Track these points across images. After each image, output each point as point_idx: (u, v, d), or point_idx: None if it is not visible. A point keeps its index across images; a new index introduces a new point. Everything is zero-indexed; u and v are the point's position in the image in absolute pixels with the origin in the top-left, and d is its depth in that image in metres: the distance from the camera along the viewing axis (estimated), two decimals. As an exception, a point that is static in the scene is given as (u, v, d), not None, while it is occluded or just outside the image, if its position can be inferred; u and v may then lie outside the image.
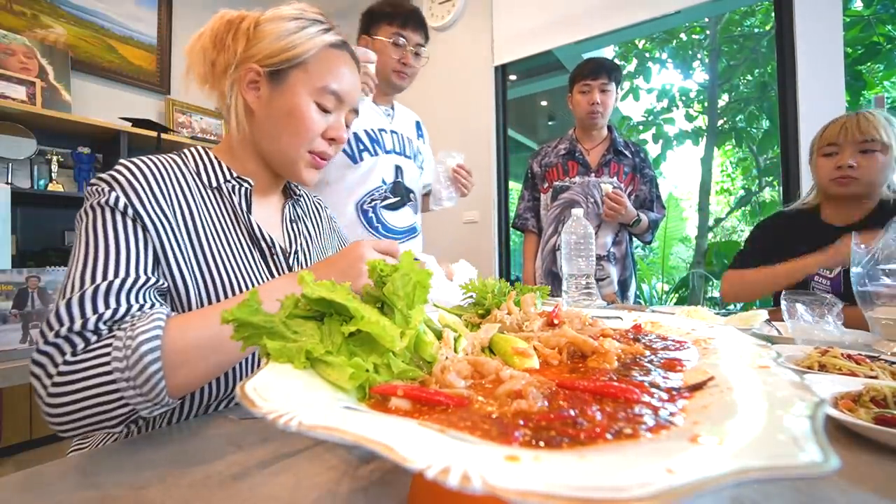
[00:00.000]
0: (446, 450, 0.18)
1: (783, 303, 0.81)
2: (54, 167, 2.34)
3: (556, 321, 0.47)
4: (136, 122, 2.45)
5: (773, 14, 2.12)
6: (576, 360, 0.39)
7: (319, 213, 0.87)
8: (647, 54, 5.39)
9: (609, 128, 1.76)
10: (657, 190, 1.77)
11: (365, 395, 0.29)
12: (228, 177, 0.66)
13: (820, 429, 0.19)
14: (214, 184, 0.65)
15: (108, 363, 0.43)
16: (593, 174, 1.70)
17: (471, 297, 0.61)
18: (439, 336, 0.39)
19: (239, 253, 0.64)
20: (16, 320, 1.20)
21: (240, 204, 0.66)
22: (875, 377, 0.52)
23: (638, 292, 1.87)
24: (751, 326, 0.91)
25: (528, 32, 2.62)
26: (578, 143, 1.75)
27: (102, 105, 2.56)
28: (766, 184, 5.16)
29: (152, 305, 0.50)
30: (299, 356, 0.29)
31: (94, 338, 0.45)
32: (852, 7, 3.67)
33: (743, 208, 5.57)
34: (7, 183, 2.16)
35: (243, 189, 0.67)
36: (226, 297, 0.59)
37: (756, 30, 5.03)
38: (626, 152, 1.72)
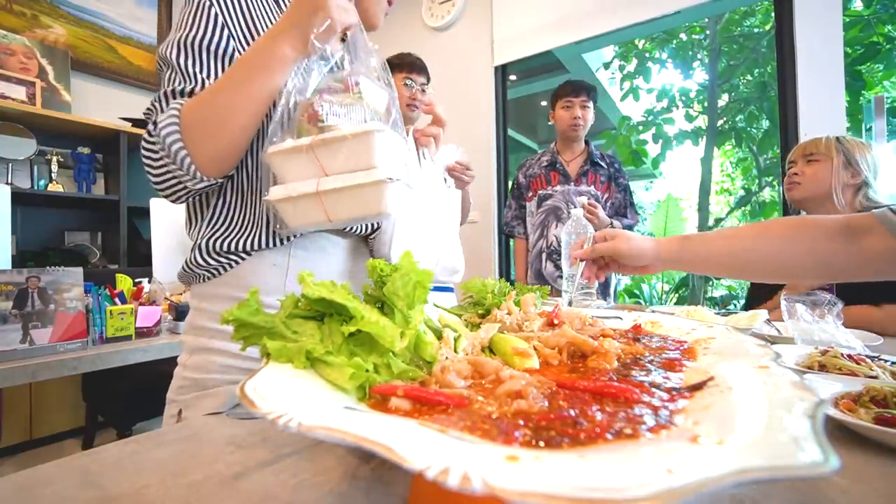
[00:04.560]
0: (446, 450, 0.18)
1: (783, 303, 0.81)
2: (54, 167, 2.34)
3: (556, 321, 0.47)
4: (136, 122, 2.45)
5: (773, 14, 2.12)
6: (576, 360, 0.39)
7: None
8: (647, 54, 5.38)
9: (586, 142, 1.97)
10: (631, 197, 1.95)
11: (365, 395, 0.29)
12: None
13: (820, 429, 0.19)
14: None
15: (155, 152, 0.57)
16: (573, 183, 1.90)
17: (471, 297, 0.61)
18: (439, 336, 0.39)
19: None
20: (16, 320, 1.20)
21: None
22: (875, 377, 0.52)
23: (615, 291, 2.05)
24: (751, 326, 0.91)
25: (528, 32, 2.62)
26: (559, 155, 1.96)
27: (102, 105, 2.56)
28: (766, 184, 5.16)
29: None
30: (299, 356, 0.29)
31: (151, 136, 0.58)
32: (852, 7, 3.67)
33: (743, 208, 5.56)
34: (7, 183, 2.16)
35: None
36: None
37: (756, 30, 5.03)
38: (602, 163, 1.92)
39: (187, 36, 0.60)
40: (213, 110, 0.55)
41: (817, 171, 1.21)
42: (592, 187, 1.88)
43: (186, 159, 0.56)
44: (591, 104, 1.89)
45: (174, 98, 0.59)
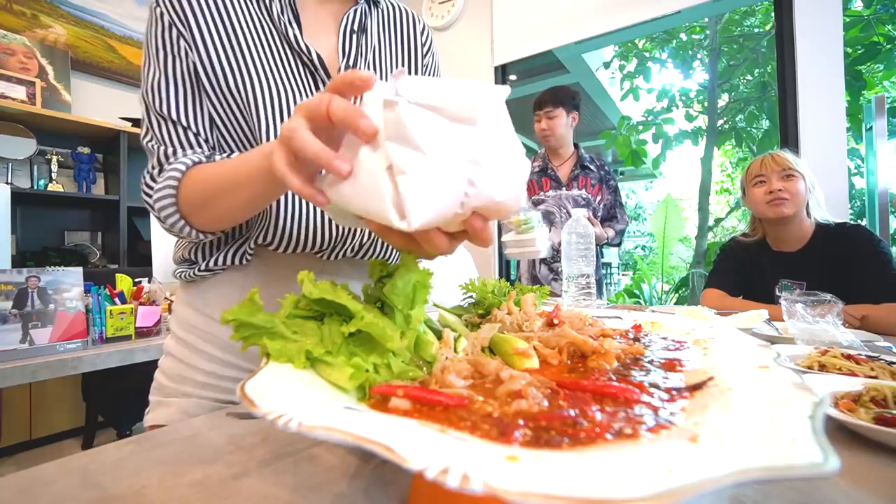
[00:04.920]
0: (446, 450, 0.18)
1: (783, 303, 0.80)
2: (54, 167, 2.34)
3: (556, 321, 0.47)
4: (136, 122, 2.45)
5: (773, 14, 2.12)
6: (576, 360, 0.39)
7: (406, 29, 0.72)
8: (647, 54, 5.39)
9: (576, 145, 2.01)
10: (620, 197, 2.01)
11: (365, 395, 0.29)
12: None
13: (820, 429, 0.19)
14: None
15: (152, 209, 0.55)
16: (564, 188, 1.94)
17: (471, 297, 0.61)
18: (439, 336, 0.39)
19: (282, 72, 0.58)
20: (16, 320, 1.20)
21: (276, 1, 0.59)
22: (875, 377, 0.52)
23: (605, 289, 2.14)
24: (751, 326, 0.91)
25: (528, 32, 2.62)
26: (549, 160, 2.00)
27: (102, 105, 2.56)
28: (766, 184, 5.16)
29: (184, 152, 0.56)
30: (299, 356, 0.29)
31: (150, 191, 0.56)
32: (852, 7, 3.67)
33: (743, 208, 5.57)
34: (7, 183, 2.16)
35: None
36: (266, 124, 0.56)
37: (756, 30, 5.04)
38: (592, 166, 1.96)
39: (148, 81, 0.57)
40: (212, 210, 0.52)
41: (796, 185, 1.25)
42: (584, 191, 1.92)
43: (185, 228, 0.54)
44: (559, 111, 1.92)
45: (165, 160, 0.56)
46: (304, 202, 0.59)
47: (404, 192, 0.29)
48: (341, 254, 0.64)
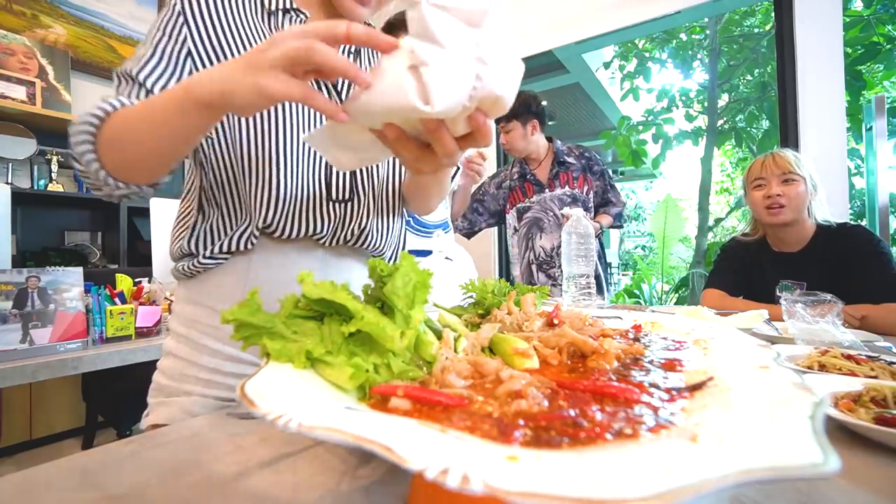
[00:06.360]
0: (446, 450, 0.18)
1: (783, 303, 0.80)
2: (54, 167, 2.34)
3: (556, 321, 0.47)
4: (136, 122, 2.45)
5: (773, 14, 2.12)
6: (576, 360, 0.39)
7: None
8: (647, 54, 5.39)
9: (550, 139, 1.94)
10: (610, 180, 1.94)
11: (365, 395, 0.29)
12: (287, 5, 0.63)
13: (820, 429, 0.19)
14: (273, 7, 0.63)
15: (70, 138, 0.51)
16: (547, 189, 1.88)
17: (471, 297, 0.61)
18: (439, 336, 0.39)
19: None
20: (16, 320, 1.20)
21: None
22: (875, 377, 0.52)
23: (608, 288, 2.06)
24: (751, 326, 0.91)
25: (528, 32, 2.62)
26: (526, 164, 1.94)
27: (102, 105, 2.55)
28: (766, 184, 5.16)
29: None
30: (299, 356, 0.29)
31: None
32: (852, 7, 3.67)
33: (743, 208, 5.58)
34: (7, 183, 2.16)
35: (299, 20, 0.64)
36: (271, 140, 0.59)
37: (756, 30, 5.04)
38: (570, 159, 1.89)
39: (135, 56, 0.57)
40: (133, 147, 0.49)
41: (796, 190, 1.22)
42: (567, 188, 1.86)
43: (94, 164, 0.50)
44: (513, 123, 1.85)
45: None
46: (302, 180, 0.61)
47: (428, 80, 0.34)
48: (341, 238, 0.66)
